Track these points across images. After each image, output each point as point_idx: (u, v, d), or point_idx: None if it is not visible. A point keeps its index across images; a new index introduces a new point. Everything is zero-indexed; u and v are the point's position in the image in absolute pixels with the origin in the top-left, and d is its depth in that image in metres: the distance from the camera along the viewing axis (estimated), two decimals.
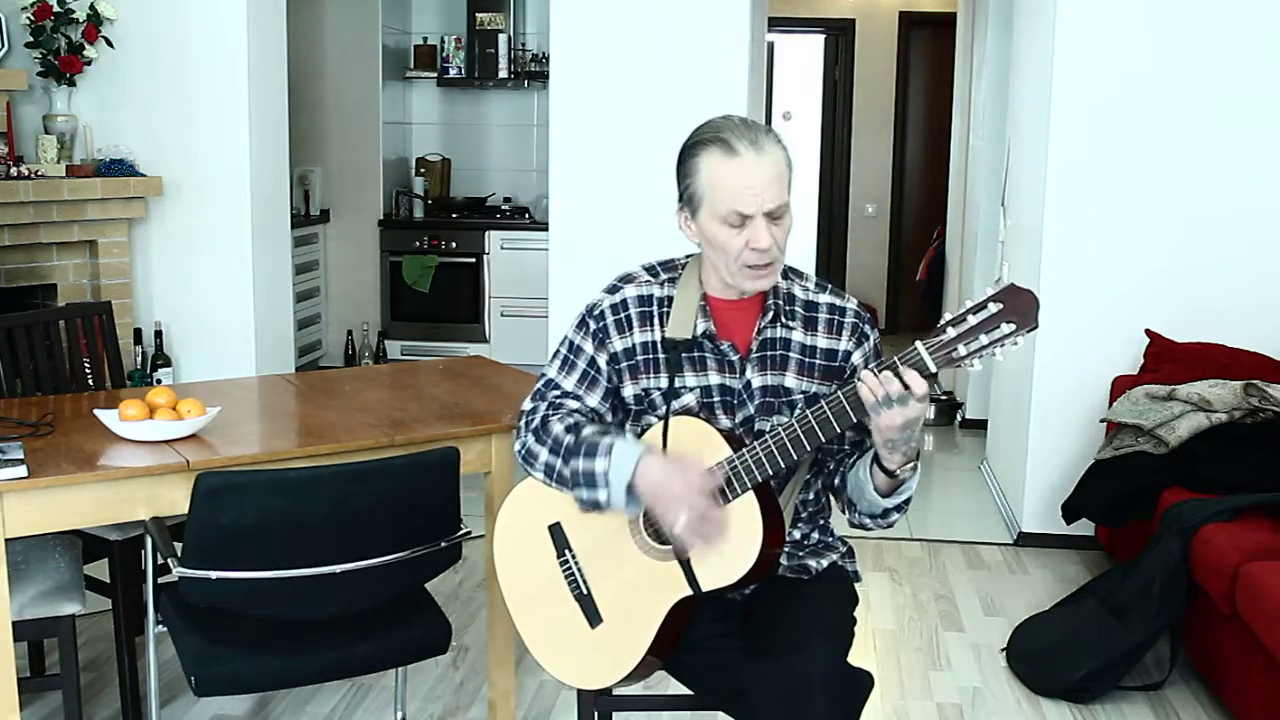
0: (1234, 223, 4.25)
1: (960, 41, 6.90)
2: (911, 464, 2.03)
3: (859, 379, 1.92)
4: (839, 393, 1.96)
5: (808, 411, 1.98)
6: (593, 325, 2.19)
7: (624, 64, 4.61)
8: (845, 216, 9.21)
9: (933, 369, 1.89)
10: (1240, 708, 3.07)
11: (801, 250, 8.77)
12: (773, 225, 2.03)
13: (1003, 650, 3.57)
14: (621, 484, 2.03)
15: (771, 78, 8.40)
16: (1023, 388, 4.57)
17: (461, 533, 2.44)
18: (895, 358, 1.93)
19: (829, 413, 1.96)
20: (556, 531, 2.18)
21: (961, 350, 1.87)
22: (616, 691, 2.42)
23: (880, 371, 1.90)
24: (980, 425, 5.95)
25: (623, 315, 2.18)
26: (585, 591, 2.15)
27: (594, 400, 2.19)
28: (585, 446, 2.08)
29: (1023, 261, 4.75)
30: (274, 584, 2.25)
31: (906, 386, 1.88)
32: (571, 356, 2.21)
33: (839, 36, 9.01)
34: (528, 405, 2.24)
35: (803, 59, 9.04)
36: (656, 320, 2.16)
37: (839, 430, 1.97)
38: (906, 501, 2.11)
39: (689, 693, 2.30)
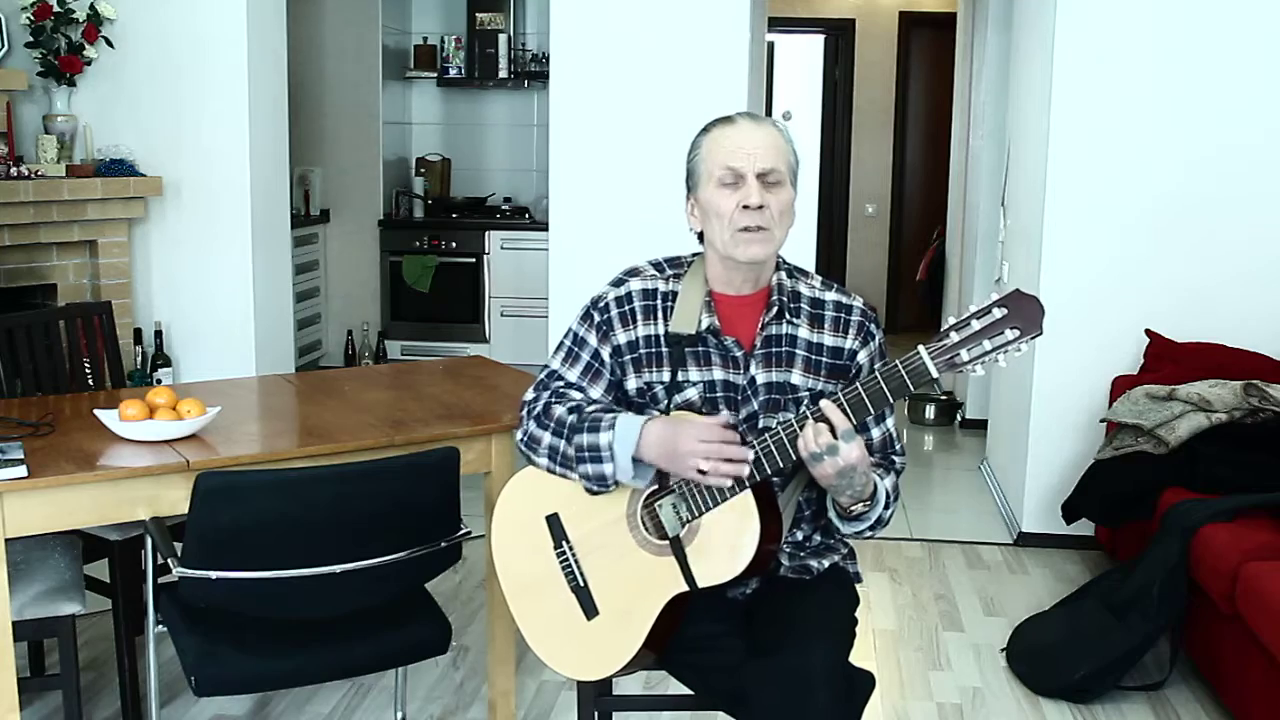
0: (1235, 223, 4.25)
1: (960, 41, 6.90)
2: (864, 503, 2.07)
3: (811, 415, 1.96)
4: (779, 428, 2.00)
5: (778, 425, 2.01)
6: (597, 317, 2.19)
7: (624, 64, 4.61)
8: (845, 216, 9.21)
9: (935, 374, 1.90)
10: (1240, 708, 3.07)
11: (801, 250, 8.74)
12: (766, 191, 2.07)
13: (1003, 650, 3.57)
14: (627, 454, 2.04)
15: (771, 78, 8.39)
16: (1023, 388, 4.57)
17: (461, 533, 2.44)
18: (839, 391, 1.97)
19: (777, 442, 2.00)
20: (554, 523, 2.18)
21: (964, 355, 1.88)
22: (616, 690, 2.43)
23: (815, 420, 1.95)
24: (980, 425, 5.94)
25: (627, 309, 2.18)
26: (582, 584, 2.15)
27: (596, 392, 2.20)
28: (589, 422, 2.09)
29: (1023, 262, 4.76)
30: (274, 584, 2.25)
31: (835, 434, 1.92)
32: (575, 348, 2.22)
33: (839, 36, 9.01)
34: (529, 395, 2.24)
35: (803, 59, 9.04)
36: (661, 314, 2.17)
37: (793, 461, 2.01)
38: (873, 526, 2.14)
39: (689, 693, 2.31)
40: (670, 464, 2.04)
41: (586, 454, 2.08)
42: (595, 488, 2.11)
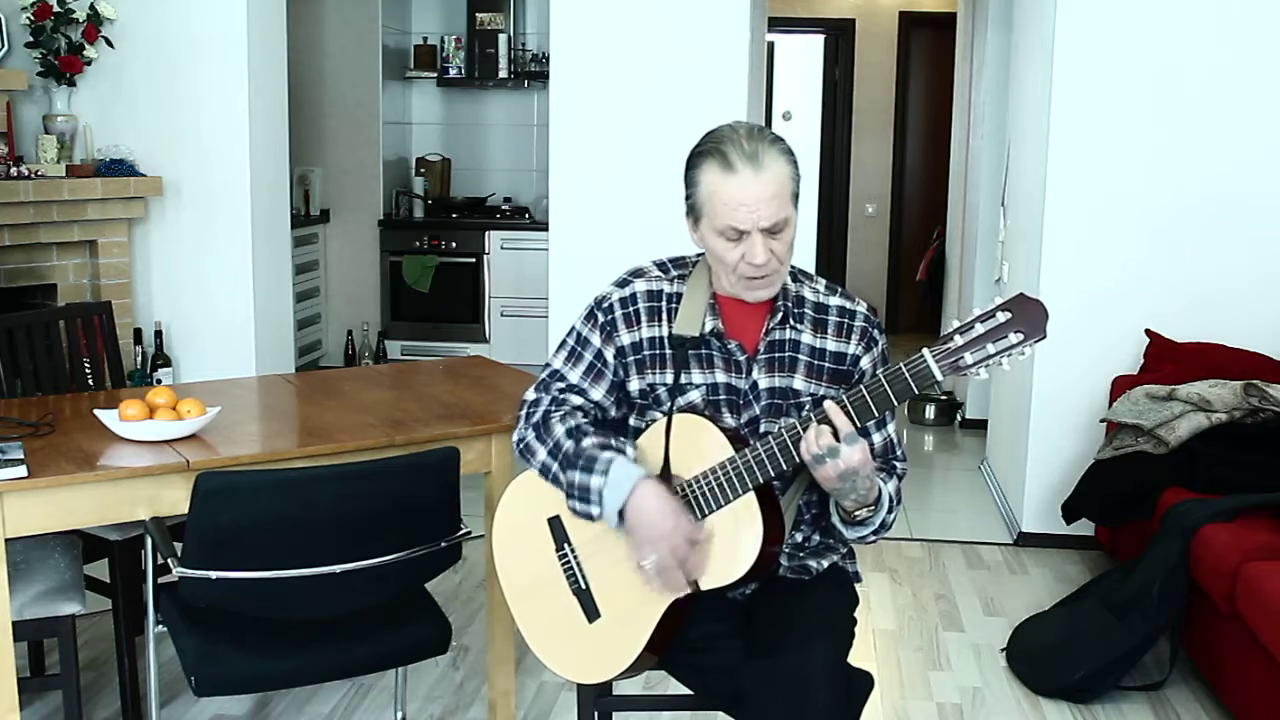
0: (1235, 224, 4.25)
1: (960, 41, 6.90)
2: (868, 508, 2.06)
3: (815, 417, 1.96)
4: (783, 432, 1.99)
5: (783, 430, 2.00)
6: (601, 318, 2.19)
7: (624, 64, 4.61)
8: (845, 216, 9.21)
9: (939, 377, 1.89)
10: (1240, 708, 3.07)
11: (801, 250, 8.74)
12: (771, 240, 2.03)
13: (1003, 650, 3.57)
14: (615, 506, 2.04)
15: (771, 78, 8.39)
16: (1023, 388, 4.57)
17: (461, 533, 2.44)
18: (843, 394, 1.96)
19: (777, 447, 1.99)
20: (556, 525, 2.18)
21: (968, 359, 1.87)
22: (616, 690, 2.43)
23: (818, 422, 1.94)
24: (980, 425, 5.94)
25: (631, 310, 2.17)
26: (583, 586, 2.15)
27: (598, 394, 2.19)
28: (584, 459, 2.07)
29: (1022, 262, 4.76)
30: (274, 584, 2.25)
31: (837, 437, 1.92)
32: (578, 348, 2.21)
33: (839, 36, 9.01)
34: (530, 395, 2.23)
35: (803, 59, 9.04)
36: (665, 316, 2.16)
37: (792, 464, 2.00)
38: (876, 531, 2.13)
39: (689, 693, 2.30)
40: (638, 535, 2.02)
41: (576, 491, 2.07)
42: (581, 518, 2.11)
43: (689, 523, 2.02)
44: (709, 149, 2.05)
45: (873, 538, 2.14)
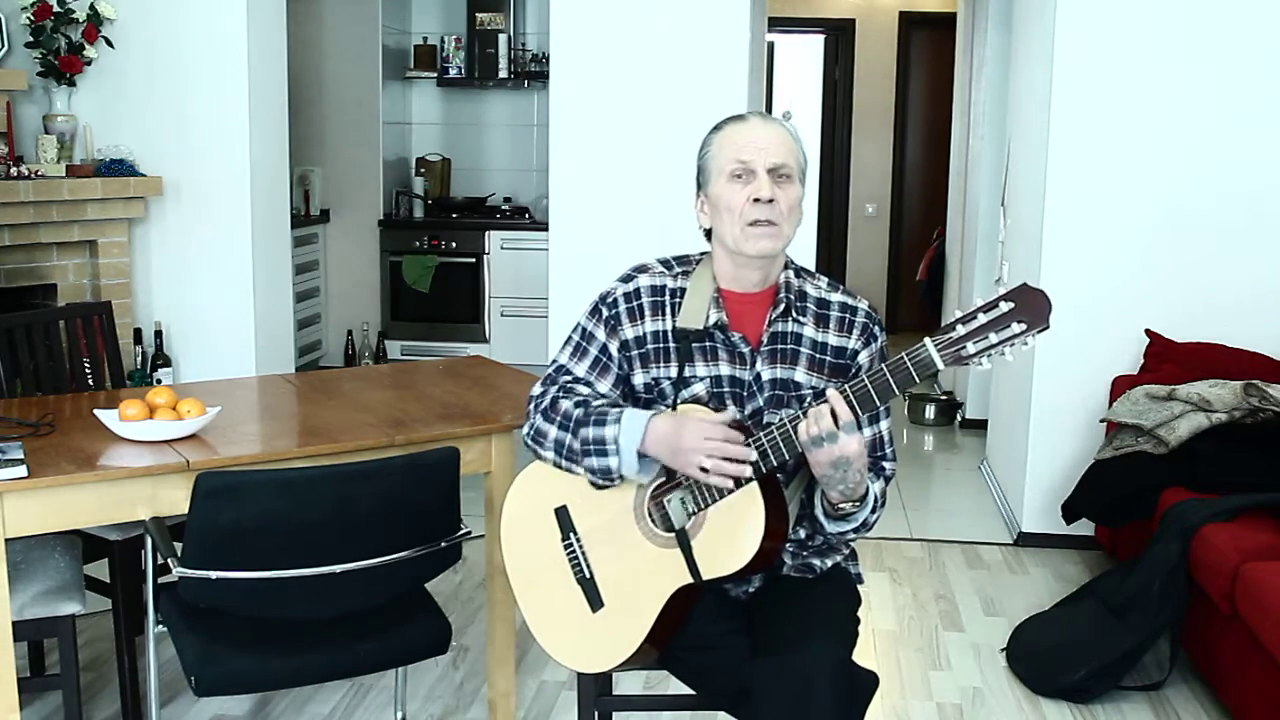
0: (1234, 223, 4.25)
1: (960, 41, 6.90)
2: (853, 503, 2.06)
3: (815, 403, 1.96)
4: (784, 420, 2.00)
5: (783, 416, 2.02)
6: (605, 312, 2.21)
7: (624, 64, 4.61)
8: (845, 216, 9.21)
9: (940, 366, 1.89)
10: (1240, 708, 3.07)
11: (801, 250, 8.75)
12: (776, 185, 2.09)
13: (1003, 650, 3.57)
14: (632, 448, 2.06)
15: (771, 78, 8.38)
16: (1023, 388, 4.57)
17: (461, 533, 2.44)
18: (845, 383, 1.96)
19: (781, 434, 1.99)
20: (562, 514, 2.20)
21: (970, 348, 1.87)
22: (616, 690, 2.43)
23: (817, 404, 1.95)
24: (980, 425, 5.94)
25: (635, 304, 2.20)
26: (588, 575, 2.16)
27: (604, 387, 2.21)
28: (594, 416, 2.11)
29: (1023, 261, 4.76)
30: (274, 584, 2.25)
31: (837, 423, 1.91)
32: (583, 343, 2.23)
33: (839, 36, 9.01)
34: (537, 390, 2.26)
35: (803, 59, 9.04)
36: (668, 310, 2.19)
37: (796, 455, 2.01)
38: (857, 529, 2.13)
39: (689, 692, 2.31)
40: (673, 460, 2.05)
41: (592, 447, 2.09)
42: (600, 481, 2.13)
43: (706, 420, 2.03)
44: (722, 120, 2.19)
45: (853, 535, 2.15)
